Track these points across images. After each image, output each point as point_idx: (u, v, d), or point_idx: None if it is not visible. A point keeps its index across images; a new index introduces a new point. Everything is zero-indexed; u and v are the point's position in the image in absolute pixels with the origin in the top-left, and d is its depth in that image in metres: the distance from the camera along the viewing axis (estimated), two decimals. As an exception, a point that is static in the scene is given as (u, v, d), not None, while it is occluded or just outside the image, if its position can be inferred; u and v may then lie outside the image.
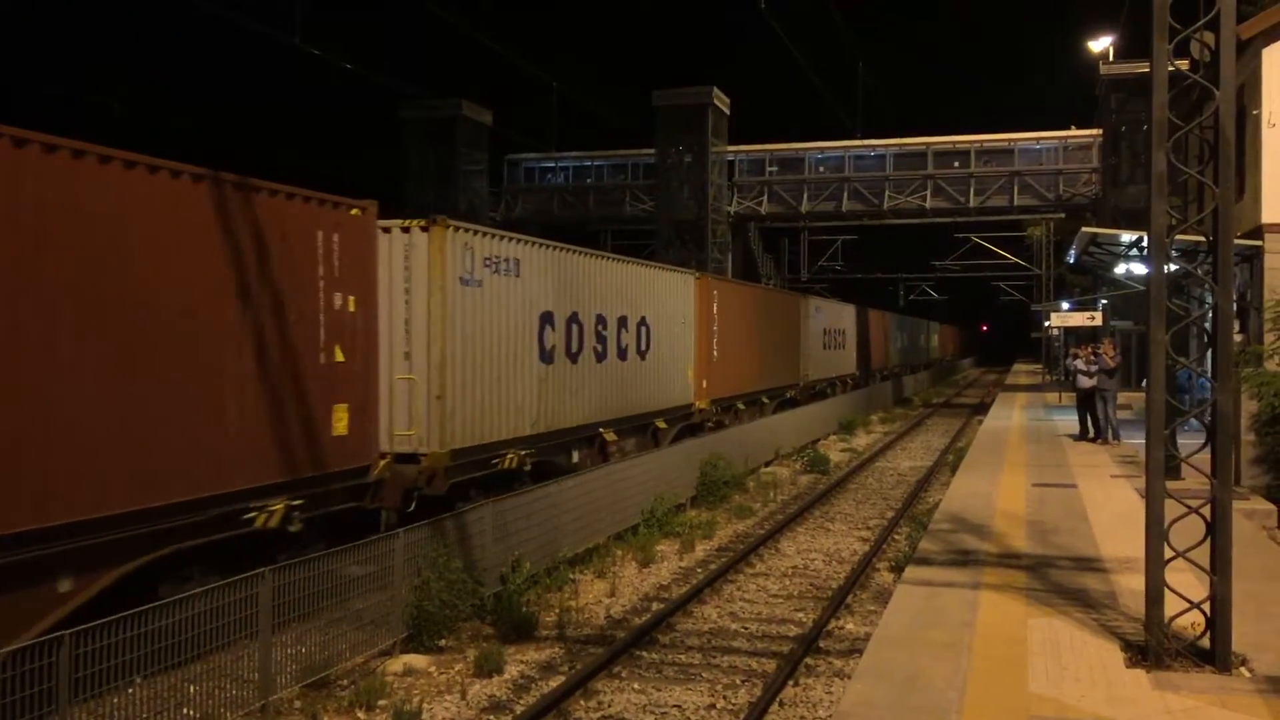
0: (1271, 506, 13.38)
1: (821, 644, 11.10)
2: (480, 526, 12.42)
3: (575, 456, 18.11)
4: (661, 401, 22.12)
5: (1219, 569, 6.93)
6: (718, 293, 26.21)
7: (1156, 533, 7.04)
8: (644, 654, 10.85)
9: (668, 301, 22.80)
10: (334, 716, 9.09)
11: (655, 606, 12.82)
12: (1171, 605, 7.27)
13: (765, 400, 30.09)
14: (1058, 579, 9.53)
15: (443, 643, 10.95)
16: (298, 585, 9.64)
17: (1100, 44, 43.29)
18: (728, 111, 51.62)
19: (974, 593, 9.03)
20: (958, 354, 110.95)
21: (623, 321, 20.16)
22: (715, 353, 25.44)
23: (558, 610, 12.41)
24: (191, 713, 8.55)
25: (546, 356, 16.88)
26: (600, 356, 19.03)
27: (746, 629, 11.87)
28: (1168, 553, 7.20)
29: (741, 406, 27.64)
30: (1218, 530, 6.95)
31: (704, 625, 12.00)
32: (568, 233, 42.00)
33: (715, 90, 50.03)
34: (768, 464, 25.72)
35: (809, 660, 10.50)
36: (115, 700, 7.94)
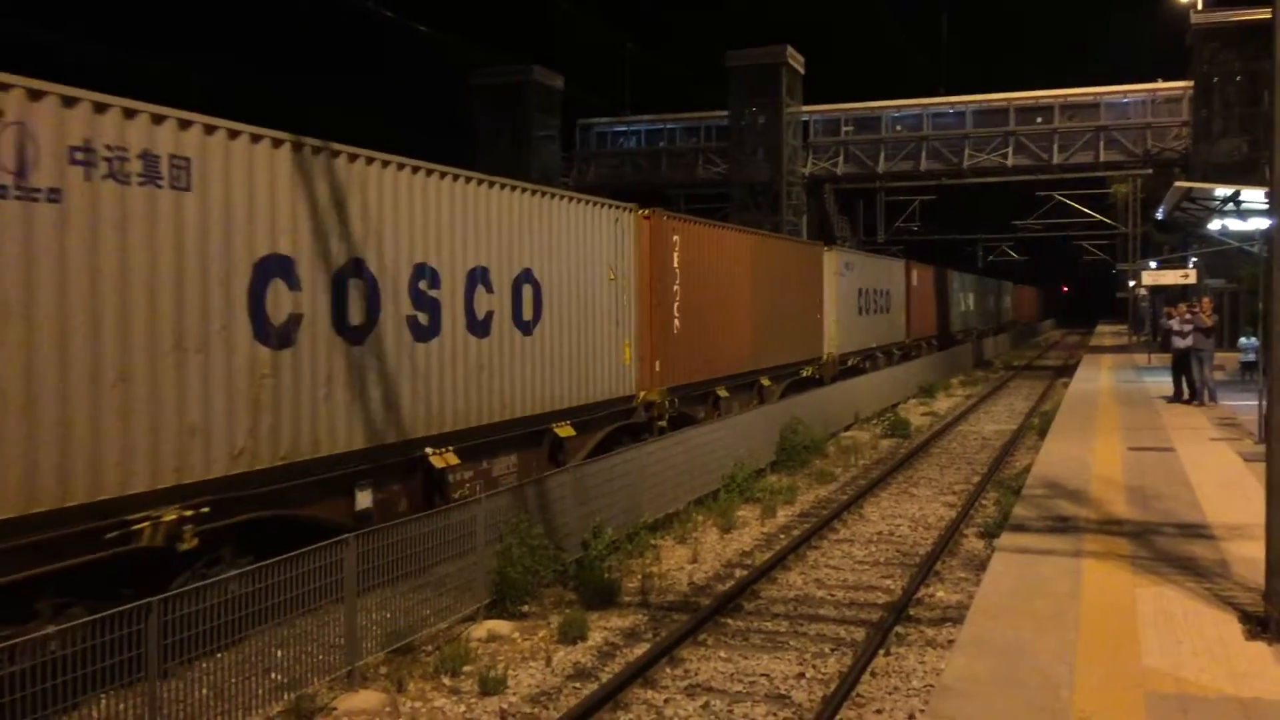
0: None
1: (912, 612, 10.81)
2: (561, 492, 12.31)
3: (365, 499, 11.52)
4: (568, 396, 15.50)
5: (1349, 537, 6.52)
6: (680, 239, 19.21)
7: (1279, 498, 6.63)
8: (729, 621, 10.66)
9: (581, 249, 15.98)
10: (419, 682, 9.04)
11: (739, 573, 12.62)
12: (1294, 575, 6.87)
13: (766, 383, 23.80)
14: (1164, 547, 9.12)
15: (525, 609, 10.87)
16: (383, 551, 9.63)
17: (1186, -4, 41.62)
18: (802, 71, 50.68)
19: (1075, 561, 8.67)
20: (1037, 316, 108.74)
21: (480, 277, 13.27)
22: (677, 323, 18.94)
23: (640, 576, 12.27)
24: (279, 677, 8.55)
25: (275, 334, 10.19)
26: (425, 332, 12.19)
27: (833, 596, 11.62)
28: (1291, 519, 6.79)
29: (724, 394, 21.20)
30: (1348, 496, 6.54)
31: (789, 592, 11.78)
32: (640, 197, 41.61)
33: (789, 49, 49.13)
34: (847, 428, 25.34)
35: (900, 629, 10.22)
36: (204, 665, 7.96)
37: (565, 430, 15.34)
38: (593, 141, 57.02)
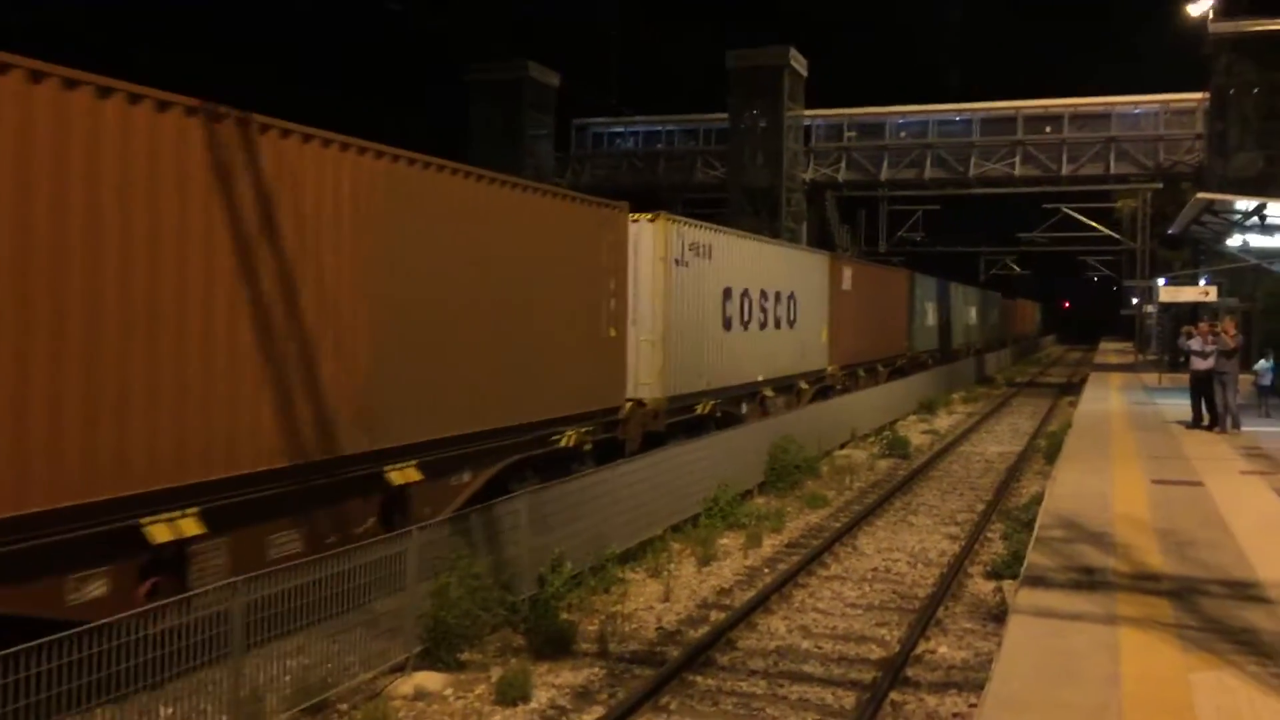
0: None
1: (910, 673, 9.35)
2: (514, 521, 10.85)
3: None
4: None
5: None
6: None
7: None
8: (698, 679, 9.19)
9: None
10: (321, 756, 7.58)
11: (714, 616, 11.16)
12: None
13: (407, 478, 11.40)
14: (1212, 612, 7.67)
15: (464, 657, 9.42)
16: (304, 589, 8.24)
17: (1199, 7, 40.12)
18: (804, 73, 49.30)
19: (1110, 630, 7.21)
20: (1039, 331, 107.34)
21: None
22: None
23: (602, 617, 10.83)
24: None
25: None
26: None
27: (820, 649, 10.15)
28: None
29: (193, 529, 8.87)
30: None
31: (770, 642, 10.31)
32: (636, 199, 40.05)
33: (792, 51, 47.74)
34: (842, 446, 23.89)
35: (896, 695, 8.76)
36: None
37: None
38: (588, 142, 55.69)
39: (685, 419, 18.71)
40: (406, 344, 11.54)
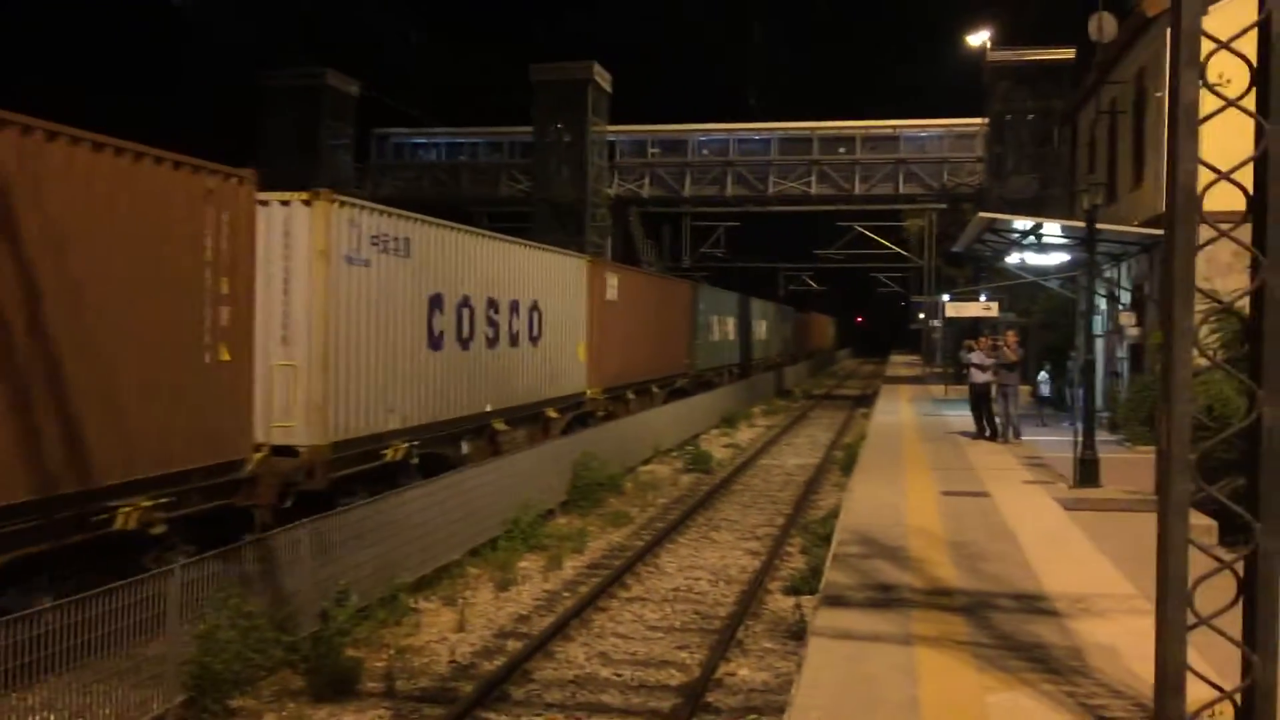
0: (1210, 521, 11.85)
1: (710, 699, 9.12)
2: (294, 552, 10.09)
3: None
4: None
5: (1259, 643, 5.11)
6: None
7: (1177, 595, 5.15)
8: (491, 716, 8.70)
9: None
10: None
11: (511, 645, 10.68)
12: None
13: None
14: (1004, 628, 7.69)
15: (235, 704, 8.64)
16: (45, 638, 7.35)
17: (978, 38, 42.36)
18: (609, 89, 49.51)
19: (907, 651, 7.11)
20: (834, 345, 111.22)
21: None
22: None
23: (391, 652, 10.19)
24: None
25: None
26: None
27: (619, 676, 9.80)
28: (1181, 617, 5.33)
29: None
30: (1260, 591, 5.12)
31: (568, 672, 9.90)
32: (439, 211, 39.02)
33: (596, 66, 47.84)
34: (646, 462, 23.78)
35: (696, 724, 8.50)
36: None
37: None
38: (389, 152, 54.28)
39: (367, 468, 14.31)
40: None
